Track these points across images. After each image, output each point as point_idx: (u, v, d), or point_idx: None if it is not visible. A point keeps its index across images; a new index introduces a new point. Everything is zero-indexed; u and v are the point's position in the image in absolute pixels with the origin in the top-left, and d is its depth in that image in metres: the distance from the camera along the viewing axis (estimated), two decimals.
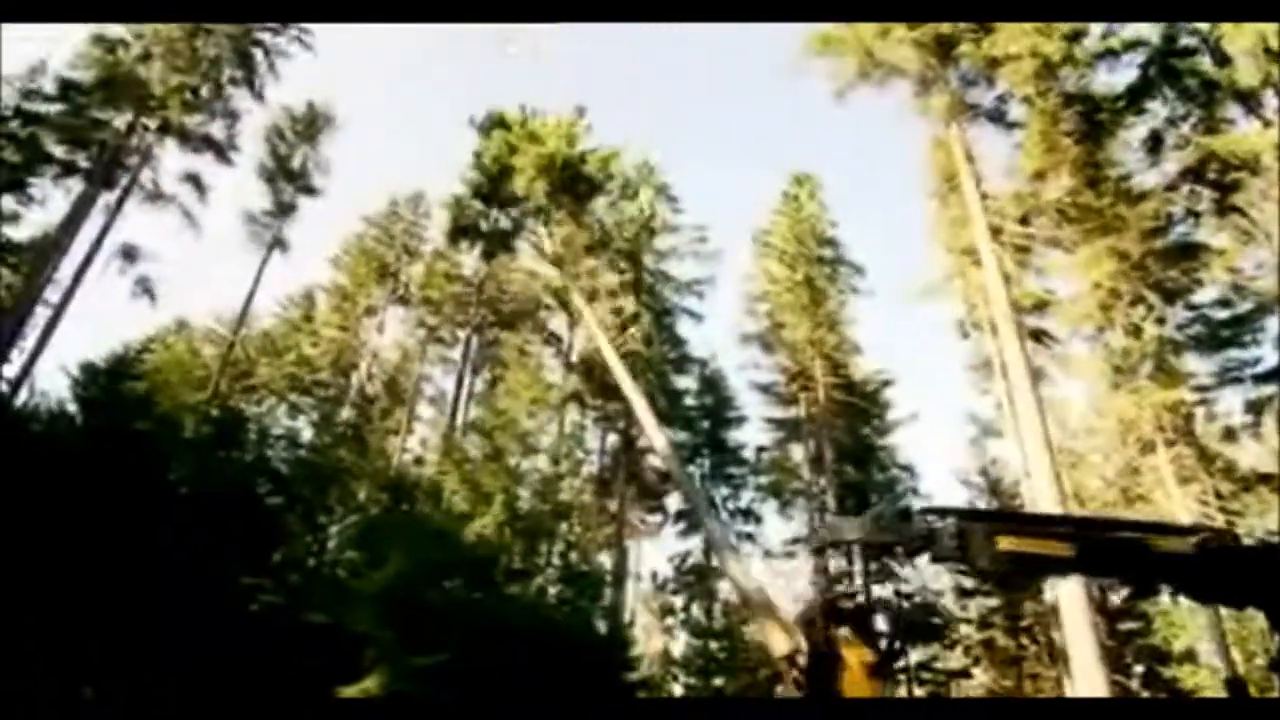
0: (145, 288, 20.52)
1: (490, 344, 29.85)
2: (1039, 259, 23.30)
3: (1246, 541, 5.93)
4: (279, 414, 26.87)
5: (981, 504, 28.98)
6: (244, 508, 9.44)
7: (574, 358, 27.23)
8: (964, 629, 26.27)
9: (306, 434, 19.65)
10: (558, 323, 28.49)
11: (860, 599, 5.97)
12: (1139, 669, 22.97)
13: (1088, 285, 22.29)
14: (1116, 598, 23.79)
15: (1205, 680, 15.84)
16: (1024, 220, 21.09)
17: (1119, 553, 5.37)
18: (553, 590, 12.15)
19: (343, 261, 32.71)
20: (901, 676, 26.75)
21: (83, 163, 18.66)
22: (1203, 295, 22.93)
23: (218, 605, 7.95)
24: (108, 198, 19.57)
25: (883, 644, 6.00)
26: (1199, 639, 19.54)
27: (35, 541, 7.16)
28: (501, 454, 13.07)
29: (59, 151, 18.37)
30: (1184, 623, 20.24)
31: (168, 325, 30.02)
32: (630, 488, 26.26)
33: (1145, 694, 22.39)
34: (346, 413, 28.64)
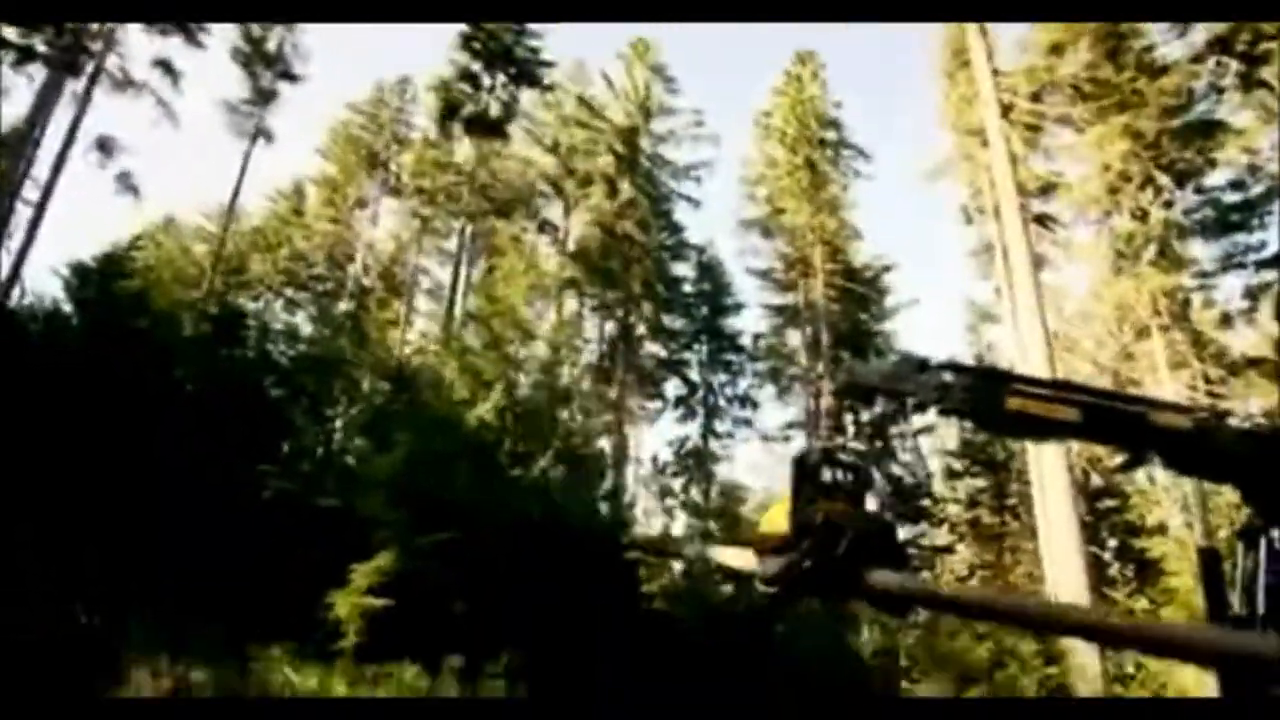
0: (127, 184, 19.94)
1: (485, 234, 29.39)
2: (1049, 138, 22.60)
3: (1233, 423, 6.16)
4: (276, 310, 26.80)
5: None
6: (250, 402, 9.51)
7: (570, 245, 26.87)
8: (951, 508, 27.30)
9: (306, 329, 19.63)
10: (553, 210, 27.94)
11: (860, 451, 6.12)
12: (1113, 543, 24.05)
13: (1097, 167, 21.75)
14: (1097, 478, 24.62)
15: (1173, 550, 16.66)
16: (1036, 97, 20.29)
17: (1121, 422, 5.63)
18: (554, 474, 12.47)
19: (331, 152, 31.71)
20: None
21: (41, 47, 17.66)
22: (1214, 179, 22.45)
23: (232, 495, 8.14)
24: (74, 86, 18.70)
25: (870, 505, 6.17)
26: (1171, 514, 20.34)
27: (40, 445, 7.22)
28: (499, 341, 13.10)
29: (12, 34, 17.34)
30: (1158, 498, 21.01)
31: (155, 223, 29.39)
32: (629, 375, 26.55)
33: (1117, 565, 23.55)
34: (344, 305, 28.54)
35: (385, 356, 14.24)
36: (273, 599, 7.30)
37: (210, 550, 7.43)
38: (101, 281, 9.44)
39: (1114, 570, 23.37)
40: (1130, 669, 14.62)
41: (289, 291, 30.85)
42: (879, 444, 6.29)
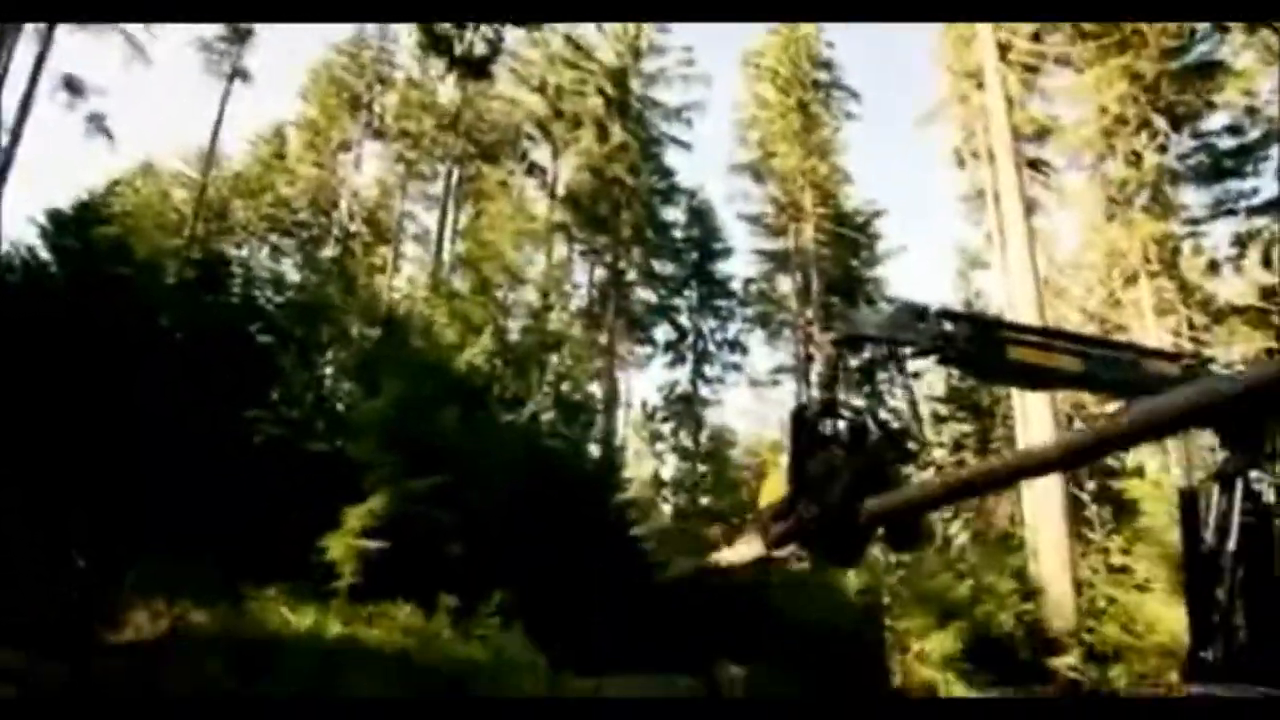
0: (99, 126, 19.29)
1: (472, 178, 28.86)
2: (1046, 79, 22.23)
3: (1215, 370, 6.27)
4: (261, 256, 26.38)
5: None
6: (237, 349, 9.44)
7: (559, 189, 26.47)
8: (937, 452, 27.70)
9: (292, 276, 19.37)
10: (541, 153, 27.41)
11: (856, 406, 6.21)
12: (1091, 485, 24.55)
13: (1094, 110, 21.46)
14: (1080, 422, 24.97)
15: (1148, 491, 17.02)
16: (1036, 37, 19.86)
17: (1117, 371, 5.71)
18: (545, 418, 12.55)
19: (312, 94, 30.76)
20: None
21: None
22: (1211, 123, 22.23)
23: (222, 441, 8.14)
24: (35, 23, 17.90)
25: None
26: (1149, 457, 20.73)
27: (26, 395, 7.15)
28: (488, 286, 13.01)
29: None
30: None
31: (132, 168, 28.63)
32: (619, 320, 26.49)
33: (1095, 507, 24.09)
34: (329, 251, 28.15)
35: (373, 302, 14.10)
36: (267, 542, 7.39)
37: (203, 495, 7.47)
38: (80, 229, 9.24)
39: (1091, 511, 23.92)
40: (1102, 603, 15.11)
41: (273, 238, 30.36)
42: (868, 389, 6.39)
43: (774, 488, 6.29)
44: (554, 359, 17.88)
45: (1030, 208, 21.52)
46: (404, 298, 23.58)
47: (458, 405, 9.16)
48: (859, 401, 6.43)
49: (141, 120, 43.76)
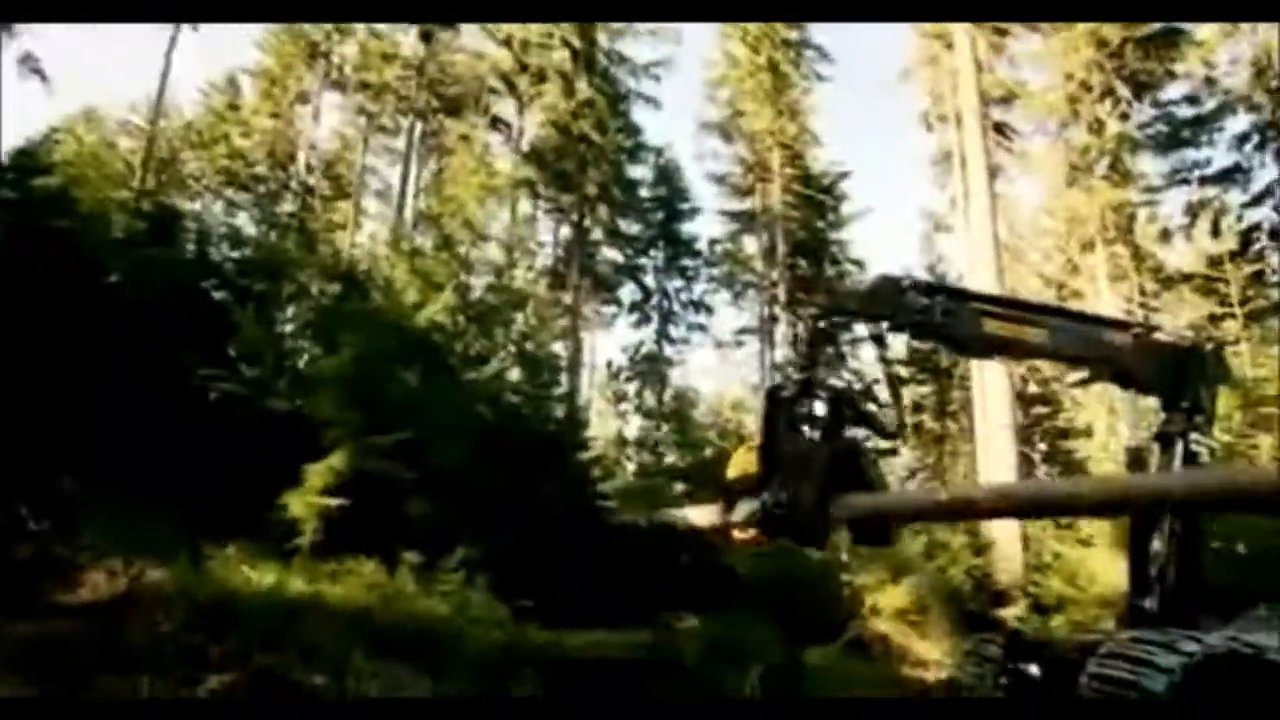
0: (33, 67, 18.22)
1: (435, 132, 28.15)
2: (1014, 43, 22.31)
3: (1162, 338, 6.50)
4: (216, 211, 25.53)
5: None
6: (192, 306, 9.17)
7: (524, 145, 25.97)
8: (892, 413, 28.24)
9: (249, 231, 18.79)
10: (506, 108, 26.80)
11: (838, 390, 6.15)
12: (1043, 446, 25.35)
13: (1059, 76, 21.63)
14: (1034, 385, 25.67)
15: (1097, 452, 17.67)
16: None
17: (1079, 341, 5.92)
18: (509, 376, 12.50)
19: (267, 42, 29.46)
20: None
21: None
22: (1171, 92, 22.59)
23: (178, 399, 7.96)
24: None
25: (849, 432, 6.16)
26: (1097, 417, 21.40)
27: None
28: (450, 242, 12.79)
29: None
30: (1086, 403, 22.07)
31: (73, 116, 27.23)
32: (584, 280, 26.33)
33: (1045, 466, 24.91)
34: (288, 206, 27.34)
35: (334, 259, 13.78)
36: (226, 500, 7.29)
37: (159, 454, 7.33)
38: (18, 179, 8.82)
39: (1042, 471, 24.73)
40: (1048, 558, 15.72)
41: (229, 192, 29.37)
42: (830, 350, 6.23)
43: (742, 462, 6.19)
44: (518, 318, 17.76)
45: (994, 172, 21.76)
46: (365, 254, 23.13)
47: (419, 362, 9.06)
48: (837, 381, 6.30)
49: (82, 64, 41.62)
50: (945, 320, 5.86)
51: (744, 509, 5.78)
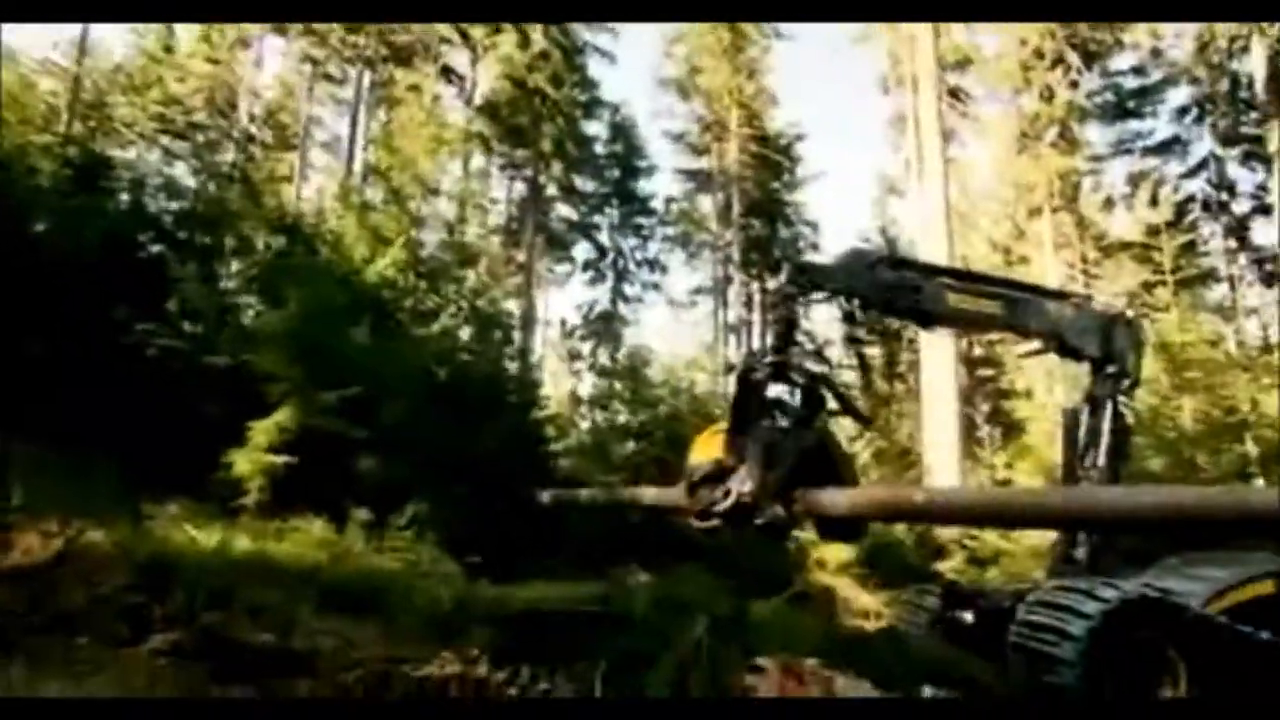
0: None
1: (384, 82, 27.17)
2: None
3: (1093, 306, 6.74)
4: (151, 159, 24.28)
5: None
6: (125, 258, 8.77)
7: (477, 98, 25.28)
8: (845, 375, 28.83)
9: (188, 181, 17.98)
10: (459, 59, 25.99)
11: (814, 374, 5.91)
12: (985, 407, 26.20)
13: (1014, 42, 21.85)
14: (979, 348, 26.40)
15: (1035, 413, 18.35)
16: None
17: (1032, 315, 6.07)
18: (462, 334, 12.35)
19: None
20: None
21: None
22: (1119, 62, 23.04)
23: (113, 355, 7.66)
24: None
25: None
26: (1036, 380, 22.19)
27: None
28: (400, 196, 12.44)
29: None
30: (1026, 366, 22.85)
31: None
32: (538, 237, 26.00)
33: (987, 427, 25.79)
34: (229, 156, 26.21)
35: (279, 211, 13.31)
36: (167, 459, 7.10)
37: (95, 412, 7.08)
38: None
39: (984, 431, 25.59)
40: None
41: (165, 140, 28.00)
42: (787, 311, 5.91)
43: (706, 447, 5.81)
44: (470, 274, 17.48)
45: (948, 137, 21.99)
46: (312, 208, 22.40)
47: (368, 318, 8.88)
48: (813, 365, 5.95)
49: None
50: (916, 297, 5.80)
51: (707, 497, 5.51)
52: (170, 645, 4.18)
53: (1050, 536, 6.55)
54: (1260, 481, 13.68)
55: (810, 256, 29.73)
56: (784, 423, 5.45)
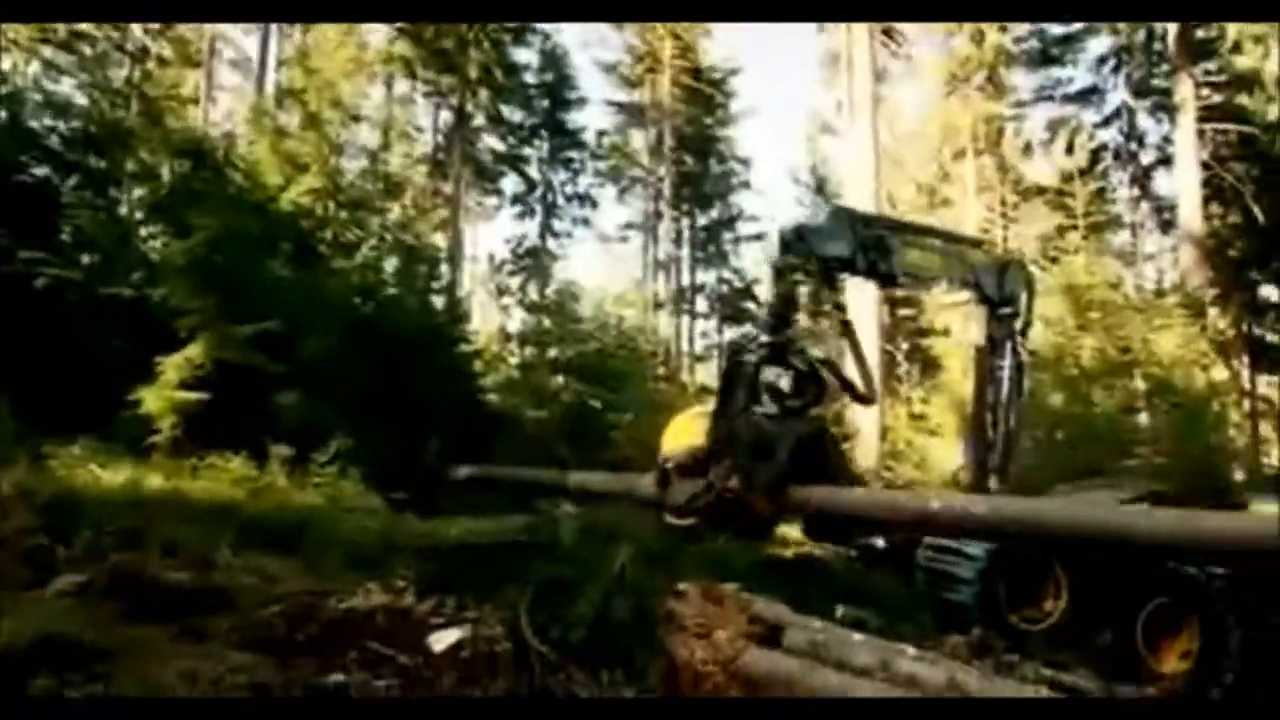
0: None
1: None
2: None
3: (994, 252, 7.04)
4: (30, 73, 22.10)
5: (808, 201, 30.79)
6: (5, 181, 8.07)
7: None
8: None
9: (78, 100, 16.53)
10: None
11: (814, 358, 5.46)
12: (905, 345, 27.16)
13: None
14: (901, 289, 27.19)
15: (950, 350, 19.06)
16: None
17: (965, 267, 6.23)
18: (387, 267, 11.99)
19: None
20: (716, 352, 30.07)
21: None
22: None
23: None
24: None
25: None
26: (953, 319, 23.05)
27: None
28: (317, 121, 11.77)
29: None
30: (943, 306, 23.69)
31: None
32: (465, 169, 25.17)
33: (906, 364, 26.79)
34: (124, 72, 24.12)
35: (183, 133, 12.39)
36: (68, 396, 6.73)
37: None
38: None
39: (903, 369, 26.58)
40: (902, 446, 17.18)
41: (46, 52, 25.49)
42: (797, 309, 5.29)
43: (684, 432, 5.33)
44: (394, 206, 16.84)
45: (880, 77, 22.07)
46: (221, 132, 21.02)
47: (286, 249, 8.50)
48: (814, 348, 5.36)
49: None
50: (890, 257, 5.48)
51: (685, 490, 4.94)
52: (77, 586, 4.04)
53: (959, 464, 6.93)
54: (1144, 416, 14.72)
55: (741, 194, 29.80)
56: (773, 409, 4.82)
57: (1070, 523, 4.01)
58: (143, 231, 9.52)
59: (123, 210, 9.64)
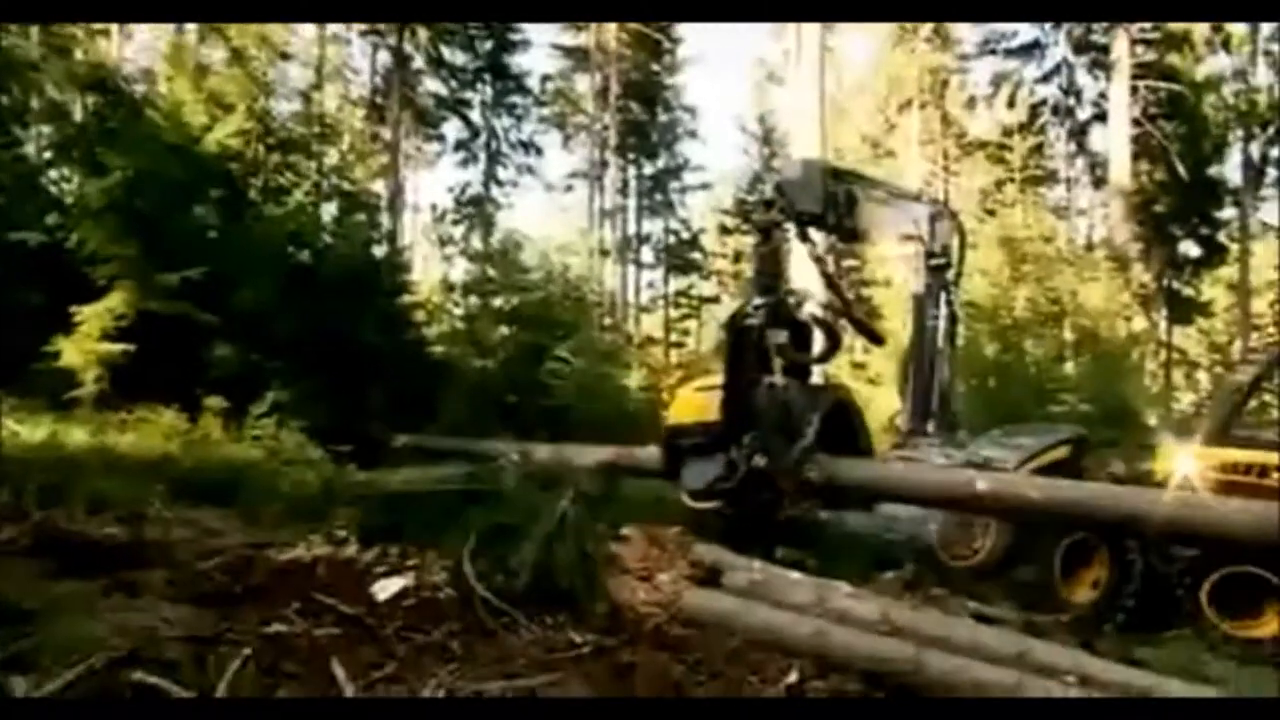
0: None
1: None
2: None
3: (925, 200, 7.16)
4: None
5: (754, 150, 30.70)
6: None
7: None
8: (720, 262, 29.47)
9: None
10: None
11: (822, 305, 5.33)
12: (849, 295, 27.63)
13: None
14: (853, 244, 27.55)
15: (891, 300, 19.44)
16: None
17: (910, 221, 6.28)
18: (326, 214, 11.58)
19: None
20: (662, 303, 30.14)
21: None
22: None
23: None
24: None
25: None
26: (896, 269, 23.48)
27: None
28: (243, 58, 11.14)
29: None
30: (885, 257, 24.12)
31: None
32: (405, 113, 24.27)
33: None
34: None
35: (93, 68, 11.55)
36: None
37: None
38: None
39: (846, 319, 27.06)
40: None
41: None
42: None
43: (692, 406, 4.92)
44: (332, 151, 16.19)
45: (828, 26, 21.90)
46: (137, 69, 19.73)
47: (214, 193, 8.10)
48: (813, 305, 5.03)
49: None
50: (853, 212, 5.45)
51: (701, 472, 4.54)
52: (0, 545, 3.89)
53: (896, 408, 7.15)
54: (1070, 365, 15.40)
55: (688, 144, 29.52)
56: (783, 380, 4.50)
57: (1119, 507, 3.82)
58: (52, 174, 8.96)
59: (28, 149, 9.02)
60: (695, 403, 4.91)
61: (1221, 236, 23.81)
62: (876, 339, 6.18)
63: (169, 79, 11.06)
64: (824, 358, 4.84)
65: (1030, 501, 3.86)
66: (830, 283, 5.96)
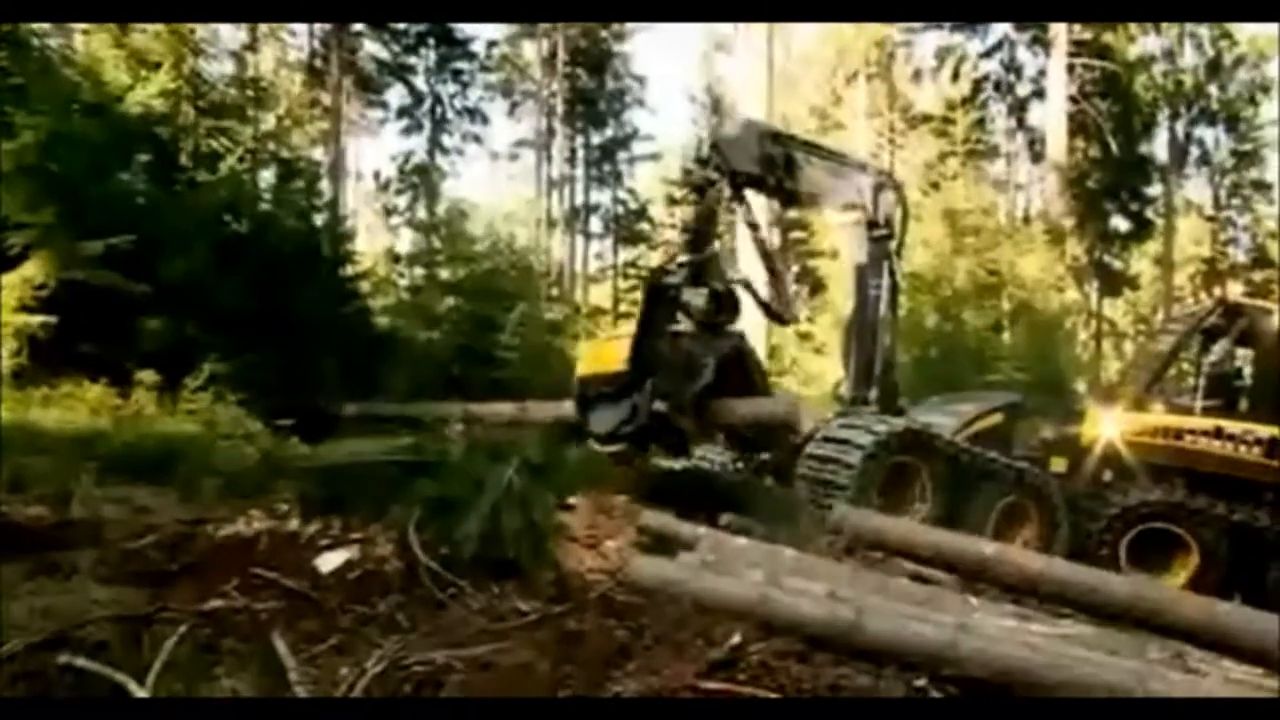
0: None
1: None
2: None
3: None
4: None
5: (702, 120, 30.58)
6: None
7: None
8: (669, 233, 29.44)
9: None
10: None
11: (732, 277, 5.44)
12: (796, 267, 27.96)
13: None
14: (792, 211, 27.77)
15: (837, 271, 19.69)
16: None
17: (855, 191, 6.31)
18: (263, 181, 11.15)
19: None
20: (611, 273, 30.04)
21: None
22: None
23: None
24: None
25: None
26: (842, 241, 23.79)
27: None
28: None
29: None
30: (829, 229, 24.43)
31: None
32: (346, 78, 23.45)
33: (796, 285, 27.64)
34: None
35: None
36: None
37: None
38: None
39: (793, 290, 27.42)
40: (787, 363, 17.91)
41: None
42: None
43: (601, 357, 5.20)
44: (270, 116, 15.57)
45: None
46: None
47: (140, 156, 7.70)
48: (731, 269, 5.32)
49: None
50: (794, 175, 5.46)
51: (608, 417, 4.85)
52: None
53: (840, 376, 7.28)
54: (1006, 335, 15.93)
55: (636, 112, 29.25)
56: (688, 326, 4.78)
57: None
58: None
59: None
60: (604, 354, 5.21)
61: (1149, 213, 24.77)
62: (780, 319, 6.31)
63: (85, 33, 10.43)
64: (722, 323, 5.05)
65: (1032, 581, 3.47)
66: (762, 250, 6.13)
